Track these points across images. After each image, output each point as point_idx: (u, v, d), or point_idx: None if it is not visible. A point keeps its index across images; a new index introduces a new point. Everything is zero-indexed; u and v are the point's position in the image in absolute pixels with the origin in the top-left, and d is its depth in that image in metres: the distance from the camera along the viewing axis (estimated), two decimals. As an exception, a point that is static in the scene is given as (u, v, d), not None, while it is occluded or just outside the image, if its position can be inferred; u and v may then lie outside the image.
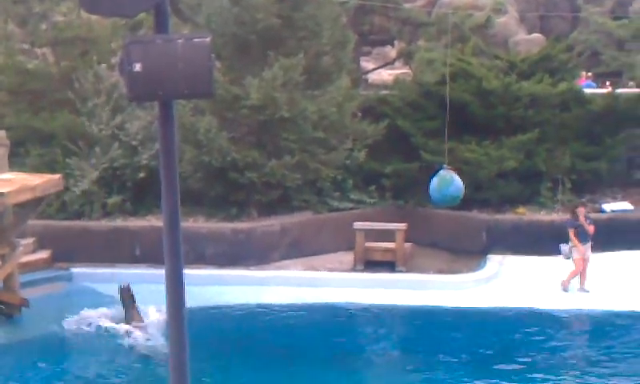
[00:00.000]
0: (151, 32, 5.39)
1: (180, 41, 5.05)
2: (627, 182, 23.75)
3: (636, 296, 18.74)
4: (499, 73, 23.77)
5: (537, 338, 17.17)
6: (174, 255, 4.94)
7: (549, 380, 15.20)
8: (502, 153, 22.41)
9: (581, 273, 19.27)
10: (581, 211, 19.39)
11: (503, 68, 24.10)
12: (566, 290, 19.27)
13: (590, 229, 19.03)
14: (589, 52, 27.09)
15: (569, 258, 19.24)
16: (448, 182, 14.44)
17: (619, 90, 24.60)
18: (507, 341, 17.12)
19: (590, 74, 26.75)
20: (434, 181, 14.77)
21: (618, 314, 18.17)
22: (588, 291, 19.15)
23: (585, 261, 19.17)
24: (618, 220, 21.65)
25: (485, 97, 23.04)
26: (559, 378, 15.35)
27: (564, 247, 19.26)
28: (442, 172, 14.85)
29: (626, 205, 22.40)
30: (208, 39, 5.04)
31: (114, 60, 22.06)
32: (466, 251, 21.73)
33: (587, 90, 24.87)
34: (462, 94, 22.56)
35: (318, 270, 20.92)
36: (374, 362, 16.38)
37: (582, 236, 19.07)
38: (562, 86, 23.54)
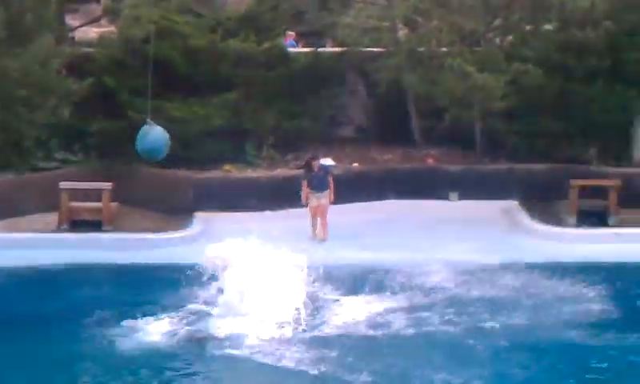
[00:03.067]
0: None
1: None
2: (330, 139, 24.53)
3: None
4: (205, 31, 23.89)
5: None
6: None
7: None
8: (208, 111, 22.63)
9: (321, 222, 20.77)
10: (315, 164, 20.73)
11: (209, 26, 24.24)
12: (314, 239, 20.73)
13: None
14: (294, 11, 27.59)
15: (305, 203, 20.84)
16: (144, 134, 14.47)
17: (321, 49, 25.30)
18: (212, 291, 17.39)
19: (292, 33, 27.32)
20: (138, 135, 14.84)
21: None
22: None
23: (314, 208, 20.73)
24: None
25: (191, 55, 23.14)
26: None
27: (302, 194, 20.70)
28: (144, 126, 14.85)
29: (328, 161, 23.14)
30: None
31: None
32: (173, 210, 21.80)
33: (291, 49, 25.46)
34: (168, 52, 22.55)
35: (21, 231, 20.42)
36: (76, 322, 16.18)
37: (315, 186, 20.68)
38: (267, 44, 23.98)
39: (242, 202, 21.61)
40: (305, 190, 20.90)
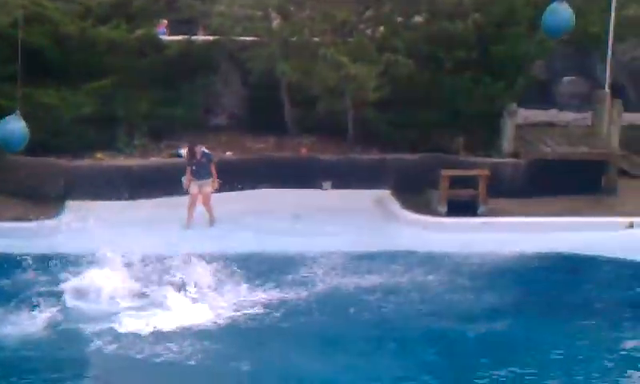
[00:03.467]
0: None
1: None
2: (204, 128, 24.44)
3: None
4: (76, 17, 23.51)
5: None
6: None
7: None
8: (79, 98, 22.29)
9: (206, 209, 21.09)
10: (197, 151, 20.98)
11: (80, 12, 23.86)
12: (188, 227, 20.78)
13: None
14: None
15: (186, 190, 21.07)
16: (4, 123, 14.45)
17: (195, 37, 25.16)
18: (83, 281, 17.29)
19: (164, 21, 27.21)
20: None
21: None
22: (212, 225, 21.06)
23: (195, 195, 20.94)
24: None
25: (62, 42, 22.73)
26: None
27: (184, 181, 21.01)
28: (11, 115, 14.76)
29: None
30: None
31: None
32: (45, 198, 21.32)
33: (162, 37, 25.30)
34: (38, 39, 22.15)
35: None
36: None
37: (195, 173, 20.90)
38: (139, 31, 23.74)
39: (115, 191, 21.26)
40: (188, 177, 20.92)
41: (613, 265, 19.66)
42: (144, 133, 22.80)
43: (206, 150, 21.51)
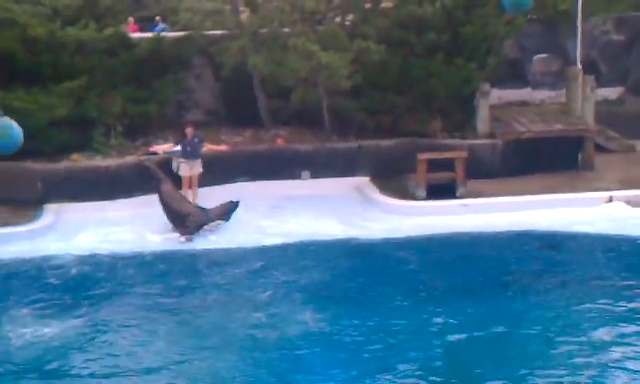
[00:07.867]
0: None
1: None
2: (177, 124, 24.33)
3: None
4: (44, 19, 23.32)
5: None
6: None
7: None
8: (51, 100, 22.09)
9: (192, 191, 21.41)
10: (189, 131, 21.47)
11: (48, 14, 23.68)
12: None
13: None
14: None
15: (177, 172, 21.55)
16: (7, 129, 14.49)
17: (165, 34, 25.05)
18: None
19: (158, 18, 27.31)
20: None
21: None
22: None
23: (191, 177, 21.40)
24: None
25: (31, 45, 22.52)
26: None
27: (173, 163, 21.61)
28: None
29: (178, 146, 22.97)
30: None
31: None
32: (22, 203, 21.11)
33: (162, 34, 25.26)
34: (7, 43, 22.02)
35: None
36: None
37: (188, 154, 21.38)
38: (108, 31, 23.58)
39: (93, 192, 21.25)
40: (164, 147, 21.95)
41: (593, 240, 19.73)
42: (119, 132, 22.67)
43: (176, 147, 21.71)
